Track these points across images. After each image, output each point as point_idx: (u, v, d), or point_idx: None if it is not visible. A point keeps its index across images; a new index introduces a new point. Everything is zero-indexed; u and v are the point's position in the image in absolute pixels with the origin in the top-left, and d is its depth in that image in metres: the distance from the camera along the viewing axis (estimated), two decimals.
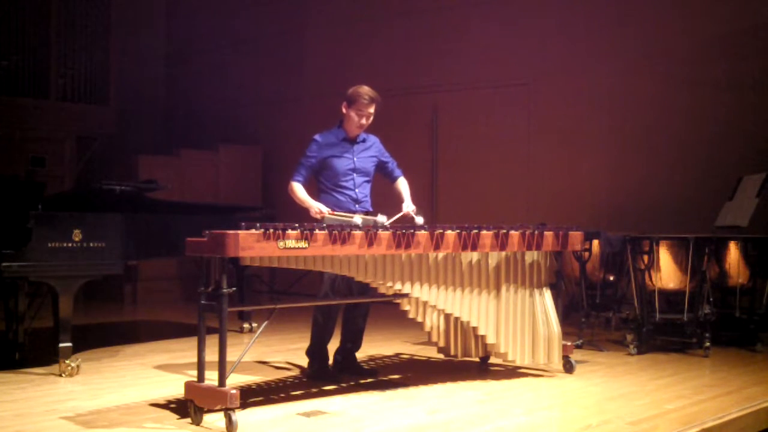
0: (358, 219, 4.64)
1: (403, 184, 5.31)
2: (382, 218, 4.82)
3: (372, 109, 5.03)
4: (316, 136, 5.10)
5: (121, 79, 11.14)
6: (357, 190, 5.08)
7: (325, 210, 4.89)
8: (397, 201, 5.25)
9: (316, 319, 5.11)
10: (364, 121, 5.04)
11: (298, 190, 5.05)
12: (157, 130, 12.18)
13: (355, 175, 5.08)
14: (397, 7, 9.90)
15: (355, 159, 5.09)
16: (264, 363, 5.59)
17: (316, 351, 5.14)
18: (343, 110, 5.08)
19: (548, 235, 5.12)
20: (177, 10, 12.32)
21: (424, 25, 9.70)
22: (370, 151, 5.18)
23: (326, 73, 10.49)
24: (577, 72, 8.61)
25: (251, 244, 3.87)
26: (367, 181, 5.16)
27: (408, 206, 5.14)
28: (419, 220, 4.93)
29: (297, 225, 4.06)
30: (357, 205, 5.05)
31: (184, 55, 12.18)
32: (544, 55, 8.81)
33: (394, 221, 4.93)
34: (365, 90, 5.01)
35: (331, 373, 5.11)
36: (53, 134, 10.46)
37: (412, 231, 4.51)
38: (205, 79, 11.83)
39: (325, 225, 4.28)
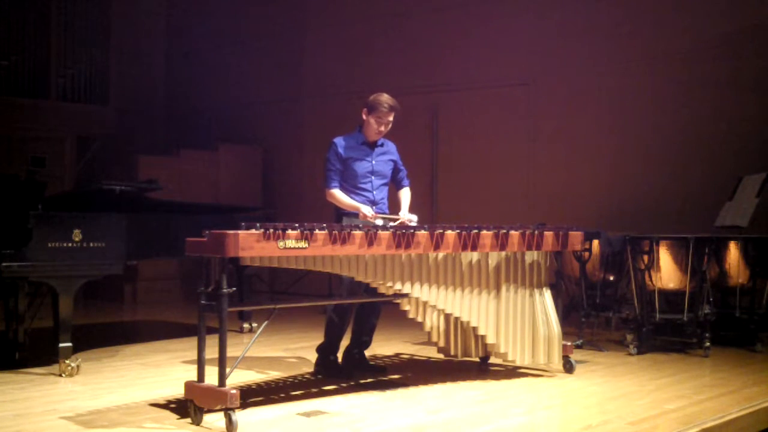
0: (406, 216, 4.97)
1: (405, 194, 5.43)
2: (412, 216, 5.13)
3: (391, 117, 5.14)
4: (336, 140, 5.16)
5: (121, 79, 11.14)
6: (374, 192, 5.18)
7: (371, 212, 5.00)
8: (394, 207, 5.34)
9: (332, 317, 5.14)
10: (383, 128, 5.15)
11: (340, 195, 5.11)
12: (157, 130, 12.17)
13: (373, 177, 5.17)
14: (397, 8, 9.90)
15: (373, 162, 5.18)
16: (264, 363, 5.59)
17: (328, 348, 5.18)
18: (363, 116, 5.16)
19: (548, 235, 5.12)
20: (177, 10, 12.32)
21: (424, 25, 9.70)
22: (388, 155, 5.29)
23: (326, 73, 10.49)
24: (577, 72, 8.61)
25: (251, 244, 3.87)
26: (385, 184, 5.28)
27: (405, 214, 5.20)
28: (411, 216, 5.19)
29: (297, 225, 4.06)
30: (374, 207, 5.12)
31: (184, 55, 12.18)
32: (544, 55, 8.81)
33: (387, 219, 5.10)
34: (385, 98, 5.12)
35: (341, 370, 5.13)
36: (53, 134, 10.46)
37: (411, 231, 4.52)
38: (205, 79, 11.82)
39: (325, 225, 4.29)
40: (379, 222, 4.80)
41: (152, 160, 10.09)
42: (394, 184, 5.42)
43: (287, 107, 10.83)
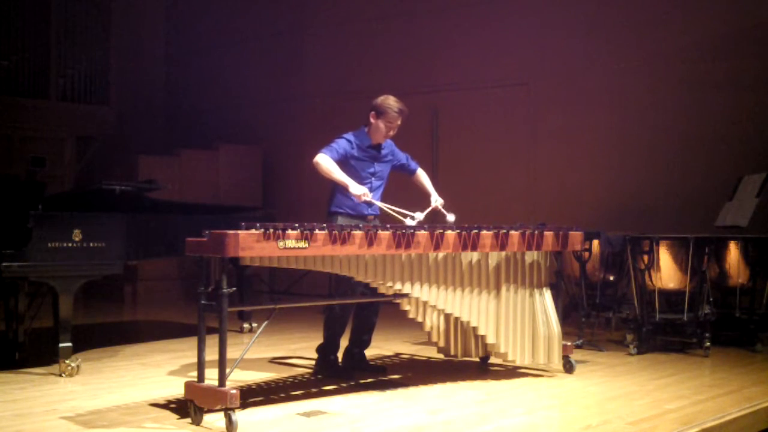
0: (410, 221, 4.81)
1: (424, 177, 5.41)
2: (418, 215, 4.96)
3: (400, 122, 5.08)
4: (348, 135, 5.06)
5: (121, 79, 11.14)
6: (371, 195, 5.11)
7: (368, 193, 4.88)
8: (421, 194, 5.30)
9: (331, 316, 5.14)
10: (391, 133, 5.12)
11: (330, 163, 4.84)
12: (157, 130, 12.18)
13: (373, 179, 5.14)
14: (397, 8, 9.90)
15: (376, 164, 5.16)
16: (264, 363, 5.59)
17: (328, 348, 5.18)
18: (371, 120, 5.08)
19: (548, 235, 5.12)
20: (177, 11, 12.33)
21: (424, 25, 9.70)
22: (388, 156, 5.26)
23: (326, 73, 10.49)
24: (577, 72, 8.61)
25: (251, 244, 3.87)
26: (381, 187, 5.24)
27: (437, 200, 5.23)
28: (450, 217, 5.08)
29: (297, 225, 4.06)
30: (369, 209, 5.09)
31: (184, 55, 12.19)
32: (544, 55, 8.82)
33: (427, 216, 5.05)
34: (394, 102, 5.04)
35: (341, 370, 5.14)
36: (53, 134, 10.46)
37: (411, 231, 4.52)
38: (205, 79, 11.83)
39: (325, 225, 4.28)
40: (411, 222, 4.80)
41: (152, 160, 10.11)
42: (405, 173, 5.39)
43: (287, 107, 10.83)
